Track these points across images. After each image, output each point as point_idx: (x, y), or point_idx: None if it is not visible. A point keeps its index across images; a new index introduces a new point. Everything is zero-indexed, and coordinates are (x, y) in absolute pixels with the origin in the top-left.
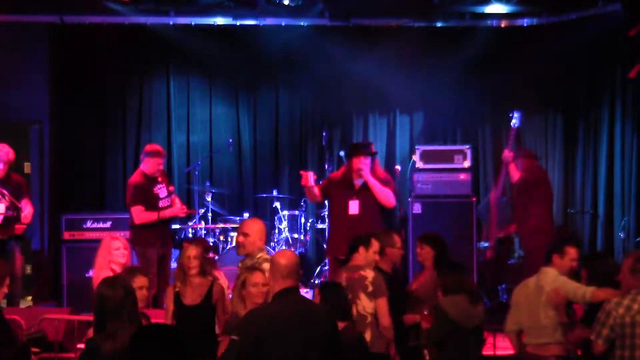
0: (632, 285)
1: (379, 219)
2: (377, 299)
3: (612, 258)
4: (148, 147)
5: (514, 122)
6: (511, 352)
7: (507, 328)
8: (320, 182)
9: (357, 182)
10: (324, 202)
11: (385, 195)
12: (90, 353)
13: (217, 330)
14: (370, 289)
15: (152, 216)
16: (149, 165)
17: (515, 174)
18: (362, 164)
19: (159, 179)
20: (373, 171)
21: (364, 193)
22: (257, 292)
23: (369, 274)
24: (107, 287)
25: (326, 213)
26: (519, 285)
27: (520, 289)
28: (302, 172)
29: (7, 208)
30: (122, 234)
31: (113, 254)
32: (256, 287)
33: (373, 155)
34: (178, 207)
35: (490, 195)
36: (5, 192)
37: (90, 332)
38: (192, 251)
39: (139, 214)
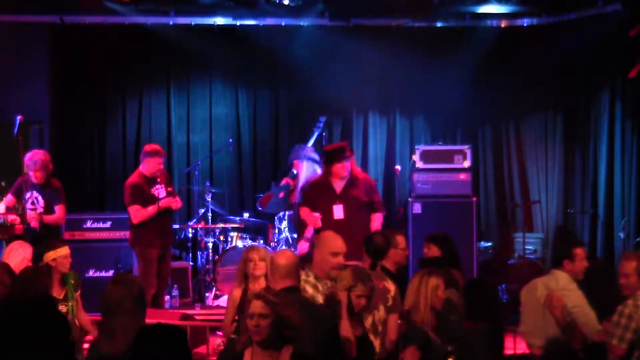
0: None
1: (366, 220)
2: (391, 314)
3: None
4: (147, 147)
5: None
6: (511, 352)
7: (520, 328)
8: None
9: (338, 186)
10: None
11: (380, 222)
12: (91, 352)
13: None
14: (390, 302)
15: (151, 210)
16: (149, 166)
17: None
18: (346, 169)
19: (158, 180)
20: (352, 171)
21: (347, 196)
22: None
23: (391, 286)
24: (109, 285)
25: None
26: (528, 285)
27: (529, 290)
28: (312, 217)
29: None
30: (122, 234)
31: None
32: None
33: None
34: (170, 199)
35: None
36: (40, 198)
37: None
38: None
39: (136, 213)
